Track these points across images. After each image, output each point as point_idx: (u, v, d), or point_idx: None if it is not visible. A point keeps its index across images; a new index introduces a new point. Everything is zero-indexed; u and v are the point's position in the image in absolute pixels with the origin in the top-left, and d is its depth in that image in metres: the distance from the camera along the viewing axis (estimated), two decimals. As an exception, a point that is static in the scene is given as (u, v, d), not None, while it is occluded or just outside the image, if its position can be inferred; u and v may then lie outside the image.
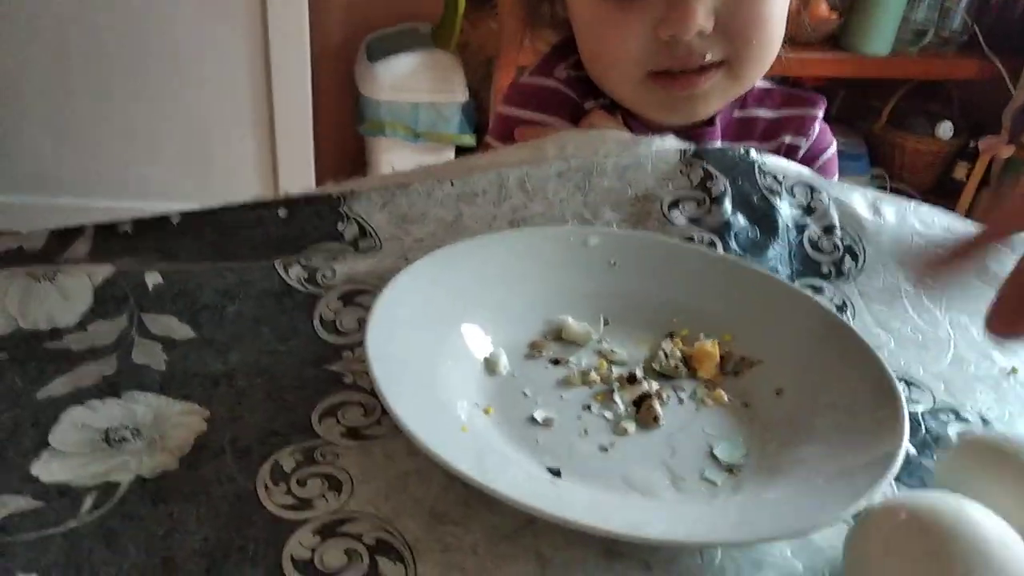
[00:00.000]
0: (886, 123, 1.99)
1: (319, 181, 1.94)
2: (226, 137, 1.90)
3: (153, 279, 0.45)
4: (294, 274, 0.47)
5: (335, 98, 1.95)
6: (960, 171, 1.92)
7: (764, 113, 0.70)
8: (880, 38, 1.81)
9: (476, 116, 1.91)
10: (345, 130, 1.96)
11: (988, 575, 0.30)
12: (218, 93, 1.86)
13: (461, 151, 1.90)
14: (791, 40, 0.63)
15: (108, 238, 0.50)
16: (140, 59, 1.81)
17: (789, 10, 0.62)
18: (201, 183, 1.91)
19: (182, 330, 0.45)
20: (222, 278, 0.46)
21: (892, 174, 1.99)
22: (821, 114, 0.71)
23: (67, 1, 1.72)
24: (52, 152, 1.86)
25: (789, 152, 0.70)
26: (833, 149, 0.74)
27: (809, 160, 0.71)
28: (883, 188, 1.98)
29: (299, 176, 1.92)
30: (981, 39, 1.84)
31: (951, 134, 1.92)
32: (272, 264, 0.47)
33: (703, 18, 0.54)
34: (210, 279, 0.46)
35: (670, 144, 0.57)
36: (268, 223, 0.51)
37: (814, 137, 0.71)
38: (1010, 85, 1.82)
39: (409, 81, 1.84)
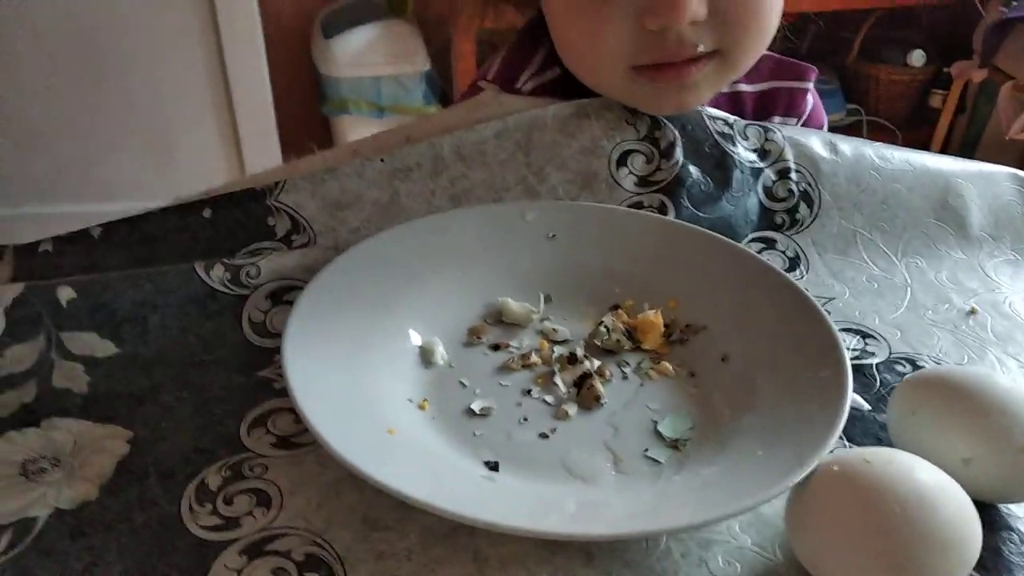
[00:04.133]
0: (858, 55, 1.95)
1: (287, 166, 1.90)
2: (187, 130, 1.85)
3: (66, 294, 0.43)
4: (216, 275, 0.45)
5: (295, 80, 1.90)
6: (935, 100, 1.89)
7: (752, 87, 0.63)
8: (845, -33, 1.77)
9: (440, 84, 1.87)
10: (308, 112, 1.92)
11: (924, 515, 0.29)
12: (173, 85, 1.82)
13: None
14: None
15: (29, 259, 0.48)
16: (91, 57, 1.76)
17: None
18: (166, 179, 1.87)
19: (104, 347, 0.43)
20: (139, 287, 0.44)
21: (867, 108, 1.96)
22: (812, 86, 0.64)
23: (9, 4, 1.67)
24: (9, 159, 1.82)
25: None
26: (826, 126, 0.66)
27: None
28: (859, 122, 1.95)
29: (266, 163, 1.88)
30: (948, -40, 1.80)
31: (924, 61, 1.88)
32: (192, 267, 0.45)
33: (696, 4, 0.46)
34: (126, 289, 0.44)
35: None
36: (193, 227, 0.49)
37: (807, 113, 0.64)
38: (979, 6, 1.78)
39: (367, 55, 1.80)
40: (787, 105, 0.62)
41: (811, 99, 0.63)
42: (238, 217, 0.49)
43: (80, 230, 0.48)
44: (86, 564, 0.33)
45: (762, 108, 0.61)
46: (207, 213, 0.49)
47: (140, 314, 0.44)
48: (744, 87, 0.61)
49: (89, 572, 0.33)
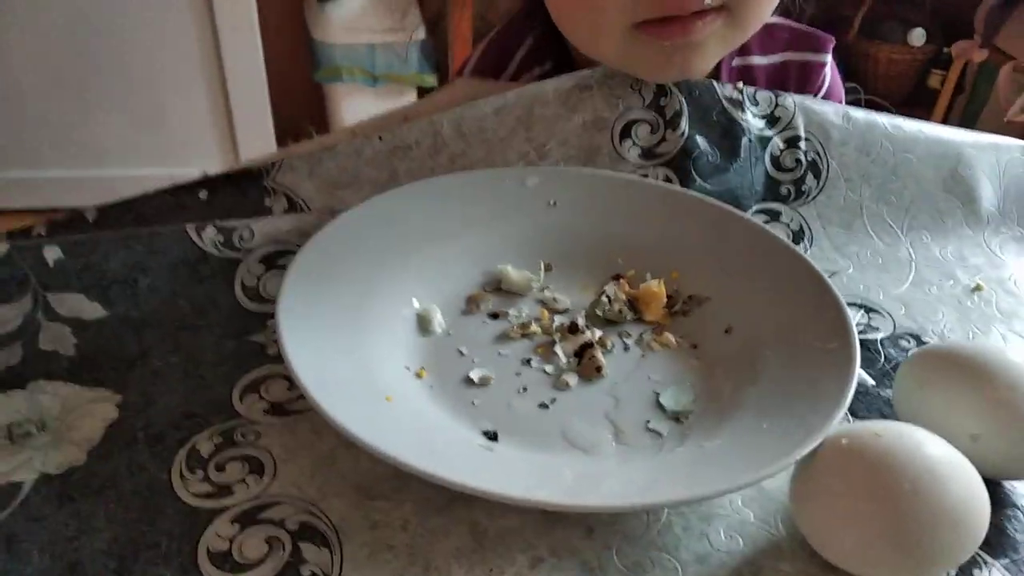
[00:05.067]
0: (858, 33, 1.93)
1: (278, 134, 1.88)
2: (177, 94, 1.82)
3: (53, 254, 0.42)
4: (208, 237, 0.44)
5: (287, 45, 1.87)
6: (934, 79, 1.88)
7: (765, 60, 0.59)
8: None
9: (435, 54, 1.84)
10: (301, 78, 1.89)
11: (935, 490, 0.28)
12: (164, 49, 1.78)
13: (424, 92, 1.83)
14: None
15: (22, 243, 0.46)
16: (80, 22, 1.72)
17: None
18: (156, 145, 1.84)
19: (92, 309, 0.42)
20: (129, 249, 0.43)
21: (866, 86, 1.94)
22: (829, 59, 0.60)
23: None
24: (-2, 123, 1.79)
25: None
26: (844, 102, 0.63)
27: None
28: (857, 101, 1.94)
29: (257, 130, 1.85)
30: (952, -63, 1.78)
31: (924, 41, 1.86)
32: (183, 229, 0.44)
33: None
34: (116, 250, 0.42)
35: None
36: (189, 207, 0.47)
37: (824, 89, 0.60)
38: (983, -16, 1.76)
39: (362, 21, 1.77)
40: (800, 79, 0.59)
41: (828, 73, 0.60)
42: (235, 198, 0.47)
43: (75, 213, 0.47)
44: (74, 530, 0.32)
45: (775, 83, 0.59)
46: (203, 195, 0.47)
47: (130, 276, 0.42)
48: (757, 60, 0.59)
49: (77, 539, 0.32)
